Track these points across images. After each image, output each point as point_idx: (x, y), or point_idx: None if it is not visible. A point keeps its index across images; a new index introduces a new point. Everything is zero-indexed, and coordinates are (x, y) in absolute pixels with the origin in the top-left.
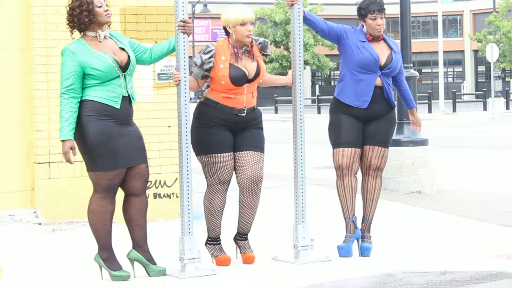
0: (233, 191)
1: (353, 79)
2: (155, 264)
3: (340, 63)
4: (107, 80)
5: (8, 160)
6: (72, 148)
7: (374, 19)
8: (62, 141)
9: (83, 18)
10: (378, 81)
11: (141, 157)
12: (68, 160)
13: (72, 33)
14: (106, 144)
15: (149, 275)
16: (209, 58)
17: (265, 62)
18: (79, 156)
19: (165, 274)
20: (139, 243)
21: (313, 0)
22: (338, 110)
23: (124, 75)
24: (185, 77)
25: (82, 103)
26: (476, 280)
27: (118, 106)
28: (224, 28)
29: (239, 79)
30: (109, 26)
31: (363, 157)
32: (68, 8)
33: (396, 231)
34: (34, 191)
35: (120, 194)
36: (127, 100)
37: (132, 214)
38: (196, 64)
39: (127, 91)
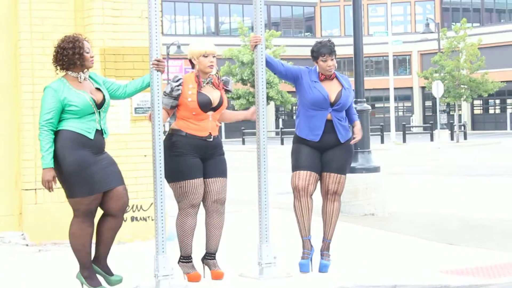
0: (200, 215)
1: (307, 115)
2: (113, 274)
3: (297, 100)
4: (83, 115)
5: None
6: (54, 176)
7: (325, 61)
8: (44, 169)
9: (75, 61)
10: (329, 116)
11: (116, 180)
12: (50, 188)
13: (57, 70)
14: (82, 172)
15: (109, 285)
16: (177, 85)
17: (228, 97)
18: (58, 183)
19: (121, 282)
20: (99, 257)
21: (277, 42)
22: (297, 141)
23: (99, 111)
24: (158, 110)
25: (58, 133)
26: None
27: (91, 137)
28: (190, 61)
29: (205, 104)
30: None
31: (322, 183)
32: (58, 47)
33: (351, 250)
34: (22, 215)
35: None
36: (100, 133)
37: (104, 231)
38: (166, 93)
39: (101, 126)
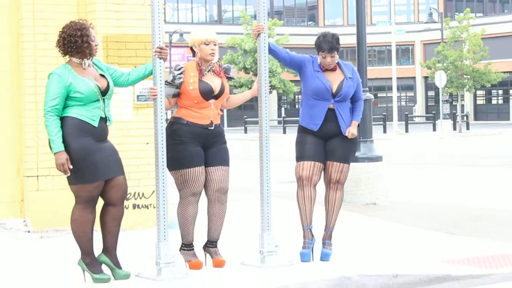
0: (202, 203)
1: (309, 105)
2: (121, 268)
3: (301, 89)
4: (88, 102)
5: (0, 174)
6: (67, 158)
7: (324, 57)
8: (55, 153)
9: (83, 49)
10: (331, 106)
11: (118, 169)
12: (66, 170)
13: (65, 55)
14: (86, 159)
15: (115, 278)
16: (179, 74)
17: (230, 85)
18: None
19: (128, 278)
20: (109, 248)
21: (280, 30)
22: (300, 130)
23: (103, 99)
24: (161, 98)
25: (63, 120)
26: (424, 283)
27: (96, 125)
28: (192, 49)
29: (207, 92)
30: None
31: (325, 172)
32: (65, 34)
33: (353, 239)
34: (24, 202)
35: (100, 202)
36: (104, 120)
37: (107, 221)
38: (167, 82)
39: (105, 113)
